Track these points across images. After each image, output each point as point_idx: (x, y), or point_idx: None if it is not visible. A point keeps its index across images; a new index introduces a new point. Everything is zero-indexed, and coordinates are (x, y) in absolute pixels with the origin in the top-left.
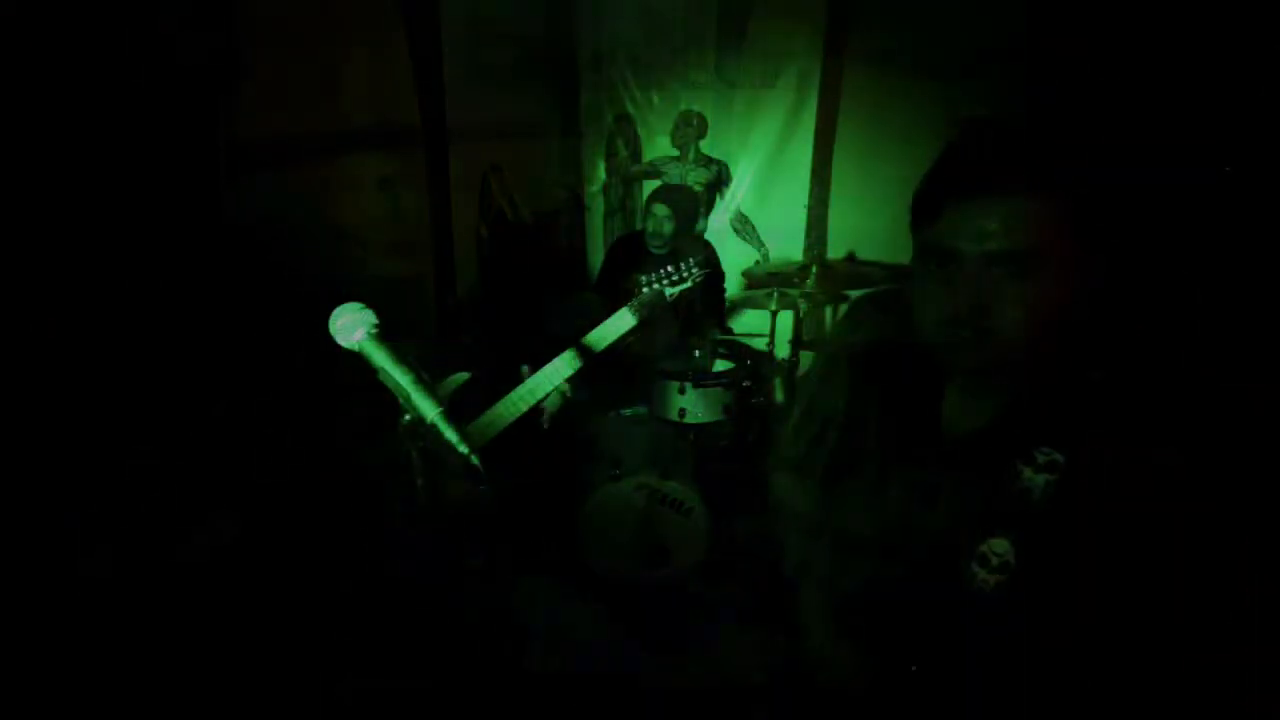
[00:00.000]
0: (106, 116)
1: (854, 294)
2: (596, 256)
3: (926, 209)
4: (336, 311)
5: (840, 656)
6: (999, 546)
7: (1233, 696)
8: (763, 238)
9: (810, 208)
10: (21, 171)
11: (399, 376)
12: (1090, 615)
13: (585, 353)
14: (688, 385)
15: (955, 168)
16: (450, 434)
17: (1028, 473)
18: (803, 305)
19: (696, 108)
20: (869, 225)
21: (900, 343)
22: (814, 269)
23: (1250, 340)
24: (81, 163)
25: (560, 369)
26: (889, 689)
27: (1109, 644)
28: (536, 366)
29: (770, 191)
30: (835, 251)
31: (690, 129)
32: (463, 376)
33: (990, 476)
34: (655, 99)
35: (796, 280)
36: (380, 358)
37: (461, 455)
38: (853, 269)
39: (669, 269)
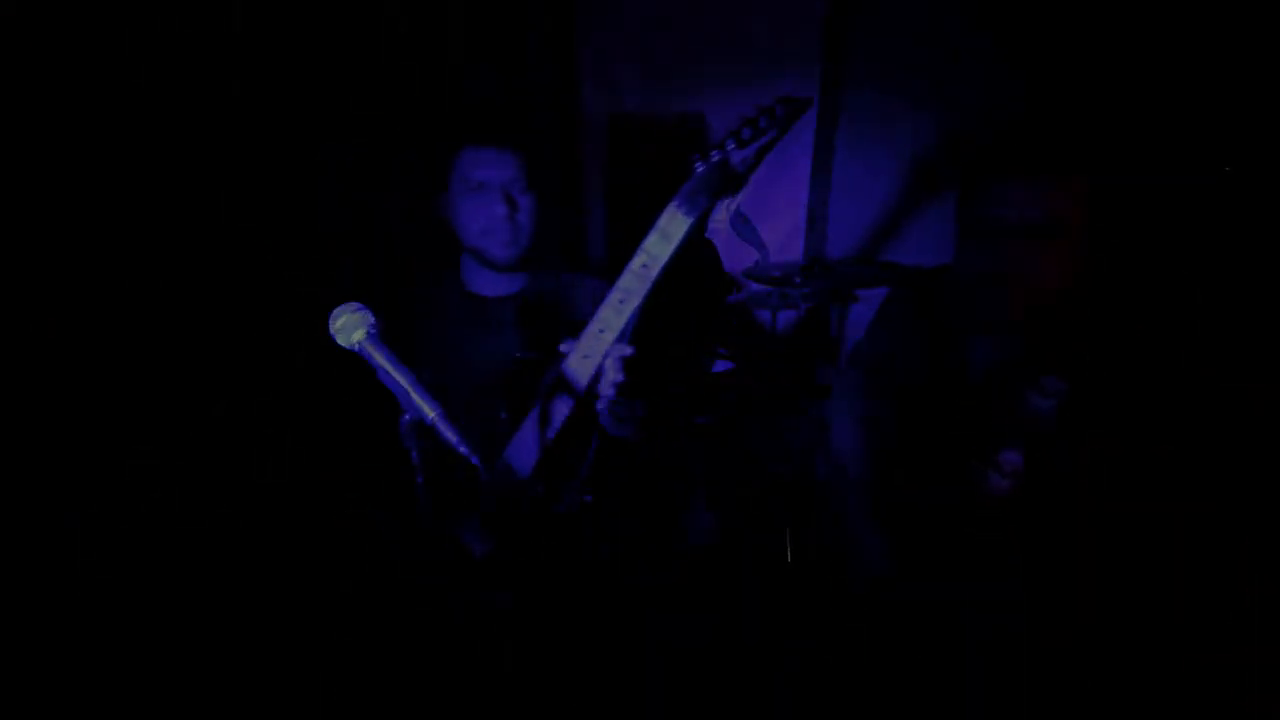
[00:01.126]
0: (101, 114)
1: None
2: None
3: (979, 183)
4: (336, 311)
5: (872, 545)
6: (1012, 456)
7: (1232, 696)
8: (763, 238)
9: (810, 208)
10: (18, 173)
11: (399, 376)
12: (1088, 602)
13: (641, 278)
14: None
15: (1008, 153)
16: (450, 434)
17: (1036, 398)
18: (803, 305)
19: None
20: (870, 225)
21: (936, 302)
22: (814, 269)
23: (1250, 340)
24: (79, 162)
25: (612, 314)
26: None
27: (1106, 636)
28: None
29: (770, 191)
30: (836, 252)
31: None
32: None
33: (1007, 401)
34: (655, 98)
35: (796, 280)
36: (380, 358)
37: (461, 455)
38: (854, 269)
39: (736, 128)
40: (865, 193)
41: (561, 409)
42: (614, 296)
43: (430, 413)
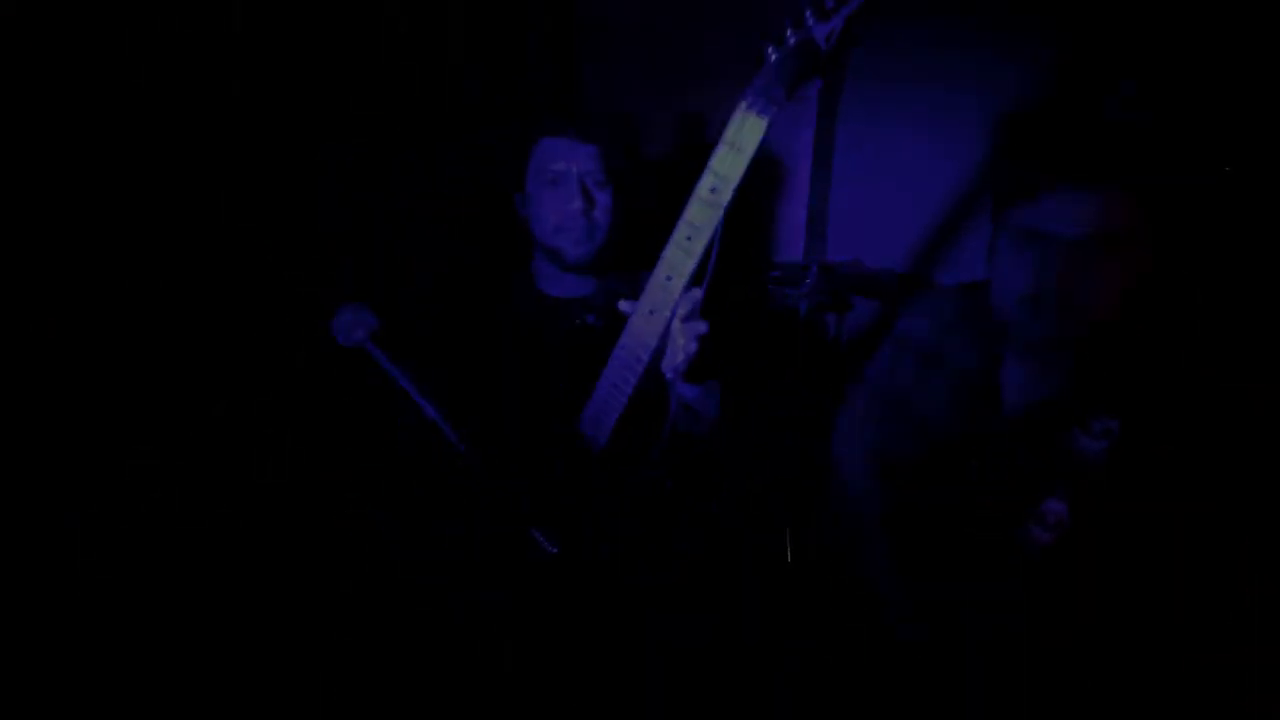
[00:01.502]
0: (101, 114)
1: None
2: None
3: (1021, 191)
4: (338, 311)
5: (905, 615)
6: (1055, 507)
7: (1232, 696)
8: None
9: (811, 207)
10: (18, 173)
11: (399, 376)
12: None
13: (711, 205)
14: None
15: (1058, 154)
16: (450, 433)
17: (1084, 439)
18: (803, 307)
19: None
20: (871, 226)
21: (958, 325)
22: (814, 270)
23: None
24: (79, 162)
25: (680, 255)
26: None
27: (1106, 636)
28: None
29: (770, 189)
30: (836, 253)
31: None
32: None
33: (1049, 443)
34: (655, 99)
35: (796, 281)
36: (381, 357)
37: (461, 454)
38: (855, 272)
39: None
40: (872, 195)
41: (629, 379)
42: (680, 233)
43: (430, 412)
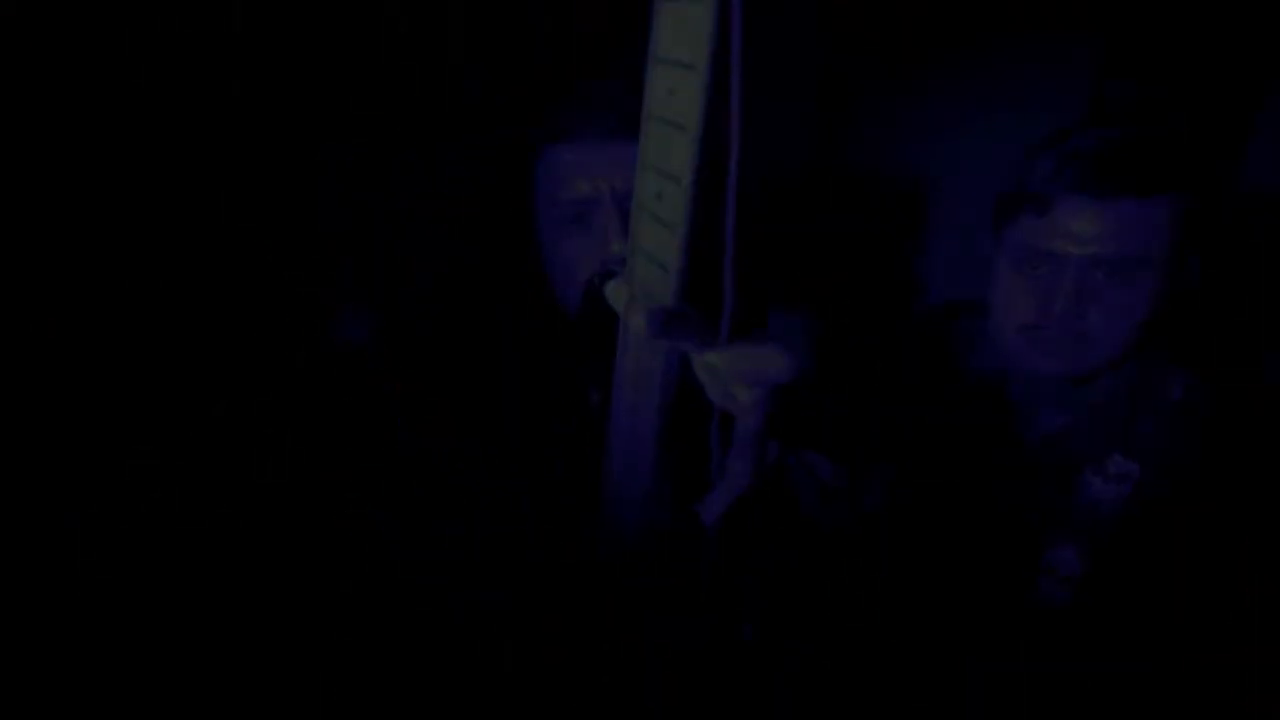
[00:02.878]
0: (101, 114)
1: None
2: None
3: (1027, 207)
4: (338, 311)
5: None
6: (1065, 555)
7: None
8: None
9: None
10: (18, 173)
11: (400, 376)
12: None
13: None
14: None
15: (1075, 166)
16: (451, 433)
17: (1098, 483)
18: None
19: None
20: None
21: (960, 353)
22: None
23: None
24: (79, 162)
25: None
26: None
27: (1107, 636)
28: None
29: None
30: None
31: None
32: None
33: (1059, 485)
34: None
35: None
36: (381, 357)
37: (462, 455)
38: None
39: None
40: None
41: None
42: (645, 192)
43: (431, 411)
